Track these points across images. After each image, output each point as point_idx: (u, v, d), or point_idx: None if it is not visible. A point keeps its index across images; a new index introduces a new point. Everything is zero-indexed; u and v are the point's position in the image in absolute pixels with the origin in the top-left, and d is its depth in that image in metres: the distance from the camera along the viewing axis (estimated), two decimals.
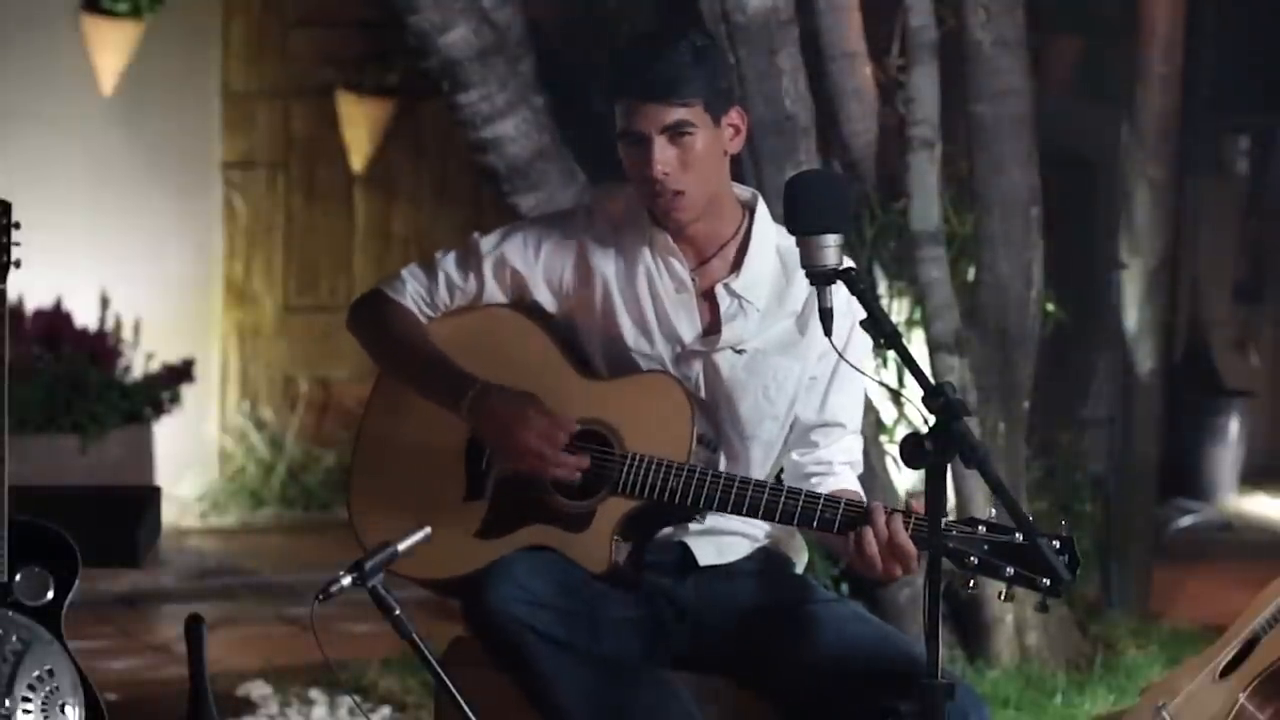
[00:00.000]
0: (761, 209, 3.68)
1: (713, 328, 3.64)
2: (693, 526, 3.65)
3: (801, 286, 3.58)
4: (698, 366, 3.63)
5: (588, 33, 6.31)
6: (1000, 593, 3.32)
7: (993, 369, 5.93)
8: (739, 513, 3.51)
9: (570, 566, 3.53)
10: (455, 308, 3.74)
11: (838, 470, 3.67)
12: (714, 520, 3.65)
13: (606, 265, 3.67)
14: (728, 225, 3.66)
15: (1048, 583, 3.25)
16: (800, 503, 3.45)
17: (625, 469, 3.53)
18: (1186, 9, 6.53)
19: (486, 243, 3.72)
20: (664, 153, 3.52)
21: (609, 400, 3.60)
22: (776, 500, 3.46)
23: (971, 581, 3.34)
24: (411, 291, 3.75)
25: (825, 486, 3.59)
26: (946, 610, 5.70)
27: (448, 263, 3.74)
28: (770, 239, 3.65)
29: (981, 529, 3.33)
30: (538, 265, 3.70)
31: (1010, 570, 3.29)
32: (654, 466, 3.51)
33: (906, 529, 3.38)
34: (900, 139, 5.92)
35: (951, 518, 3.33)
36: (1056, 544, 3.29)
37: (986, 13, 5.81)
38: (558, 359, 3.66)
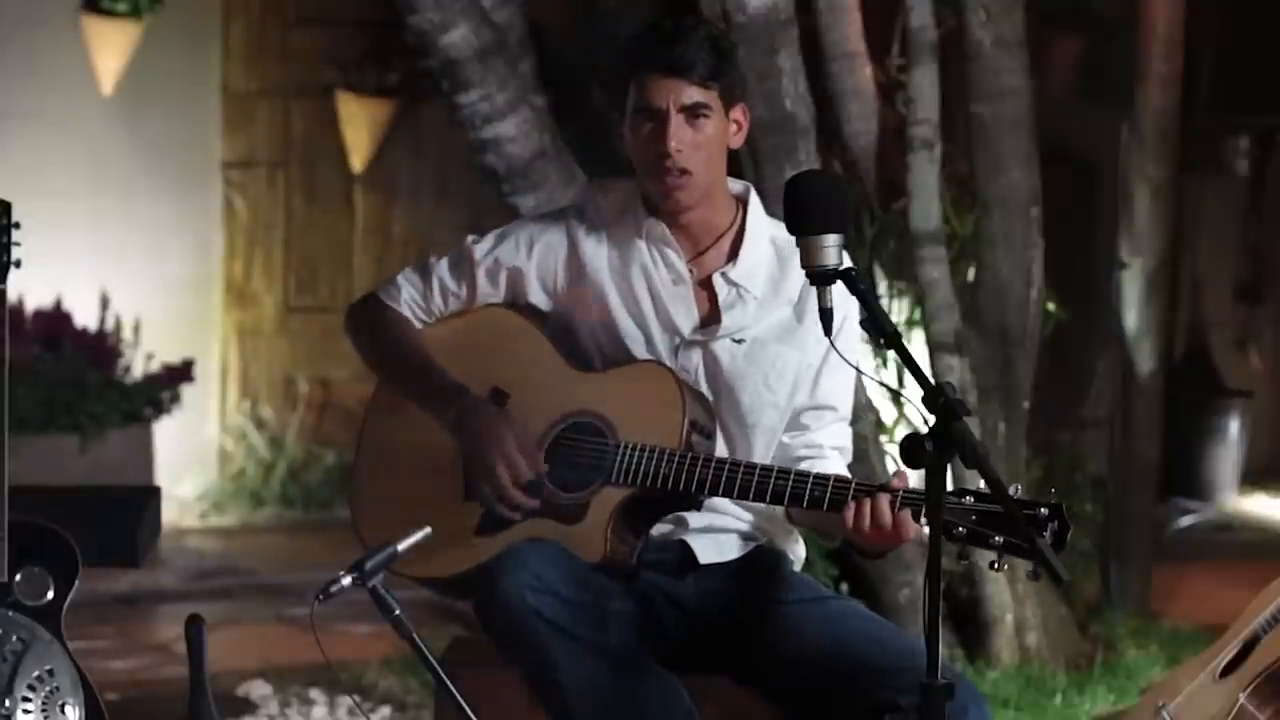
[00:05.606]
0: (755, 201, 3.71)
1: (711, 317, 3.66)
2: (692, 524, 3.65)
3: (797, 276, 3.58)
4: (697, 357, 3.65)
5: (588, 33, 6.30)
6: (992, 562, 3.31)
7: (993, 369, 5.93)
8: (731, 495, 3.51)
9: (576, 558, 3.53)
10: (450, 312, 3.77)
11: (828, 454, 3.69)
12: (712, 518, 3.65)
13: (600, 260, 3.69)
14: (723, 216, 3.69)
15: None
16: (790, 482, 3.46)
17: (618, 458, 3.53)
18: (1186, 9, 6.52)
19: (479, 249, 3.75)
20: (680, 130, 3.56)
21: (601, 392, 3.61)
22: (767, 481, 3.47)
23: (963, 551, 3.31)
24: (407, 298, 3.79)
25: (815, 470, 3.58)
26: (946, 610, 5.78)
27: (441, 269, 3.78)
28: (764, 230, 3.68)
29: (969, 499, 3.32)
30: (531, 266, 3.72)
31: (999, 539, 3.28)
32: (646, 454, 3.52)
33: (894, 508, 3.37)
34: (900, 139, 5.92)
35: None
36: (1045, 511, 3.29)
37: (986, 13, 5.82)
38: (550, 354, 3.67)
